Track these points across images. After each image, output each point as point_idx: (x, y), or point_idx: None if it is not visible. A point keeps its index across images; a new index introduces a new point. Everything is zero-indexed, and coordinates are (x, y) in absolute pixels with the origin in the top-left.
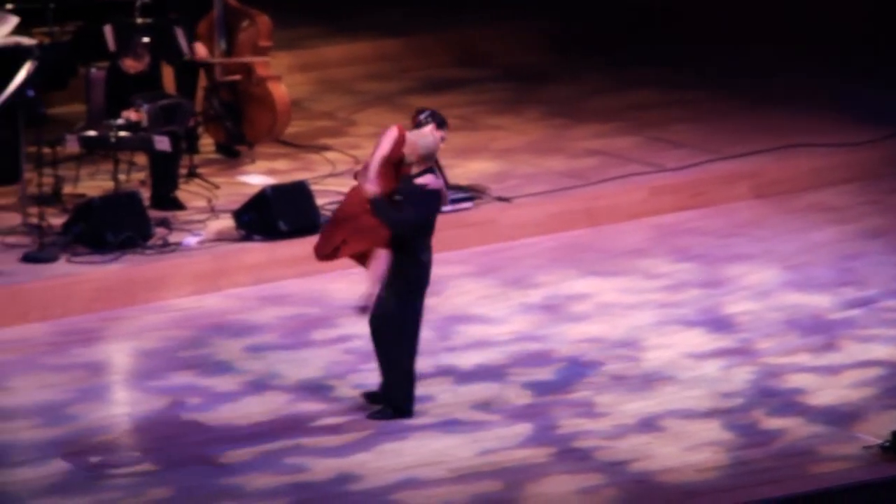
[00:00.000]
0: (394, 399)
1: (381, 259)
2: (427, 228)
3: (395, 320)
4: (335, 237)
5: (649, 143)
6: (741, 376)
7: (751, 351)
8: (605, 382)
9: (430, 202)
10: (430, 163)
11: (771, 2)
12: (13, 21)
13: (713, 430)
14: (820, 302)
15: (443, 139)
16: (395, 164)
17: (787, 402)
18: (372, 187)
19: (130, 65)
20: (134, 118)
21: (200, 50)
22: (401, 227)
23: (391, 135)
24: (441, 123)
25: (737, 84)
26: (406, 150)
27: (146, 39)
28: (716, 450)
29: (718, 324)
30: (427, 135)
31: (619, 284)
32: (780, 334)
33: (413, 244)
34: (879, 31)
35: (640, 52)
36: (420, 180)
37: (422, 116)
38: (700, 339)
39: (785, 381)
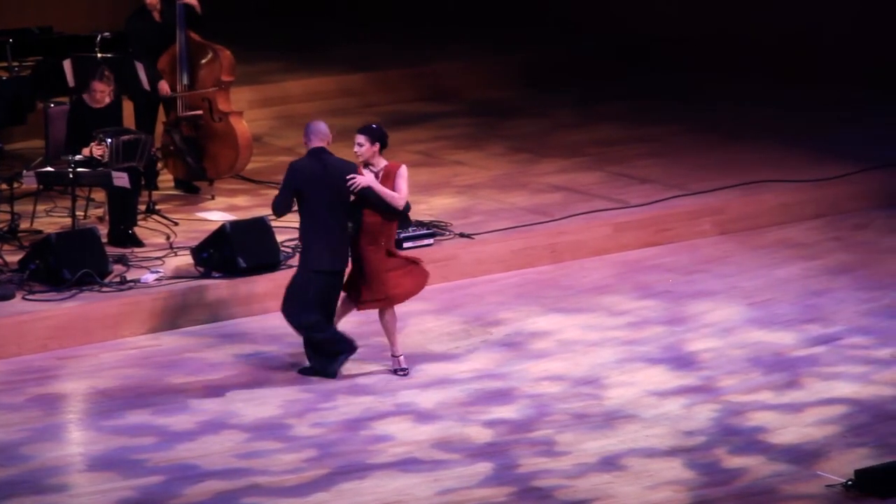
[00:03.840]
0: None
1: None
2: None
3: None
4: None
5: (614, 179)
6: (703, 414)
7: (713, 389)
8: (567, 421)
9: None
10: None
11: (762, 33)
12: None
13: (675, 469)
14: (783, 339)
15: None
16: None
17: (750, 441)
18: (366, 179)
19: (98, 88)
20: (97, 153)
21: (164, 87)
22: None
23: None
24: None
25: (710, 118)
26: (371, 156)
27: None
28: (677, 489)
29: (681, 361)
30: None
31: (582, 321)
32: (742, 372)
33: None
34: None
35: (611, 86)
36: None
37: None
38: (663, 377)
39: (747, 419)
